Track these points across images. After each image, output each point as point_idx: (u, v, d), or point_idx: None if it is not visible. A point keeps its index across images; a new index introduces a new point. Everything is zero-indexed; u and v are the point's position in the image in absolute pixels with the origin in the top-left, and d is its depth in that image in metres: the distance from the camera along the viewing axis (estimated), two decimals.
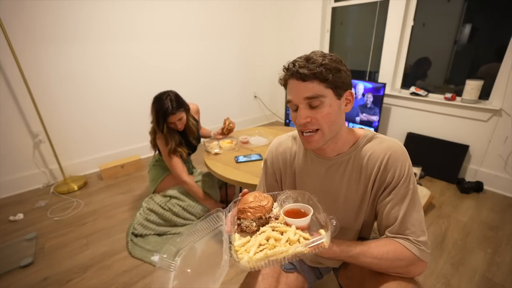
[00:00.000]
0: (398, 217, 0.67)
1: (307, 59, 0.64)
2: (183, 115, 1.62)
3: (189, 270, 0.67)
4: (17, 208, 1.98)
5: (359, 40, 2.97)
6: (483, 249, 1.51)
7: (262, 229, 0.60)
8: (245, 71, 3.41)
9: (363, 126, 2.58)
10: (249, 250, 0.54)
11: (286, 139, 0.86)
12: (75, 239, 1.65)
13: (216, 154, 1.72)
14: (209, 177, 1.75)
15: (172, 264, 0.67)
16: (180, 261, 0.69)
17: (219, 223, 0.71)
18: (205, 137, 2.02)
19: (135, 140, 2.67)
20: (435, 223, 1.74)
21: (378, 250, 0.65)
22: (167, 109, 1.55)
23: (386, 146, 0.70)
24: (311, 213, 0.61)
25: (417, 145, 2.39)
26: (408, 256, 0.64)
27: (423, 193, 1.84)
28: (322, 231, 0.58)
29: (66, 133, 2.32)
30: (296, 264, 0.87)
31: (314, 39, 3.14)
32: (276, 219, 0.63)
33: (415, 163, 2.21)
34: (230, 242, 0.58)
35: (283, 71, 0.68)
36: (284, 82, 0.69)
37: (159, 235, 1.63)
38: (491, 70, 2.00)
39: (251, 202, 0.63)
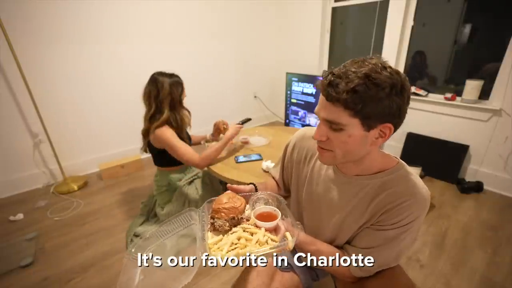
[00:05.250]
0: (368, 247, 0.68)
1: (342, 75, 0.54)
2: None
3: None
4: (17, 208, 1.98)
5: (359, 40, 2.97)
6: (483, 249, 1.51)
7: (234, 229, 0.65)
8: (245, 71, 3.41)
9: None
10: (222, 248, 0.59)
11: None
12: (75, 239, 1.65)
13: None
14: (210, 179, 1.73)
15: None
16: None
17: (191, 222, 0.73)
18: (197, 143, 1.89)
19: (136, 140, 2.65)
20: (435, 223, 1.74)
21: (327, 261, 0.70)
22: (175, 74, 1.52)
23: (411, 192, 0.62)
24: (279, 217, 0.66)
25: (417, 145, 2.39)
26: (348, 276, 0.72)
27: None
28: (288, 234, 0.64)
29: (66, 133, 2.32)
30: (292, 264, 0.87)
31: (314, 39, 3.14)
32: (247, 220, 0.68)
33: (415, 163, 2.23)
34: (204, 240, 0.62)
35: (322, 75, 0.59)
36: (319, 89, 0.60)
37: None
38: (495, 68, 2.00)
39: (225, 203, 0.67)
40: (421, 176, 2.27)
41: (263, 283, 0.78)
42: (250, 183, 0.85)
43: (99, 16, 2.22)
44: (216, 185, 1.71)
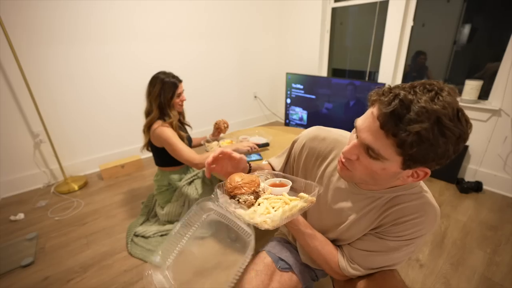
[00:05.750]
0: (365, 249, 0.68)
1: (411, 106, 0.46)
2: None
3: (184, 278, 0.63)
4: (18, 208, 1.99)
5: (359, 40, 2.98)
6: (483, 249, 1.52)
7: (258, 200, 0.65)
8: (245, 71, 3.42)
9: None
10: (269, 212, 0.60)
11: (327, 139, 0.78)
12: (76, 239, 1.66)
13: None
14: (210, 180, 1.72)
15: (160, 280, 0.62)
16: (170, 274, 0.64)
17: (202, 217, 0.71)
18: (198, 145, 1.89)
19: (136, 140, 2.68)
20: None
21: (319, 243, 0.73)
22: (175, 76, 1.48)
23: (424, 209, 0.62)
24: (290, 184, 0.69)
25: None
26: (336, 271, 0.72)
27: None
28: (302, 194, 0.65)
29: (67, 133, 2.33)
30: (291, 264, 0.87)
31: (314, 39, 3.15)
32: (264, 192, 0.68)
33: None
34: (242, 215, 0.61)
35: (378, 91, 0.53)
36: (370, 102, 0.55)
37: (161, 235, 1.63)
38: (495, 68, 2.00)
39: (242, 179, 0.67)
40: None
41: (262, 282, 0.78)
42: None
43: (100, 17, 2.22)
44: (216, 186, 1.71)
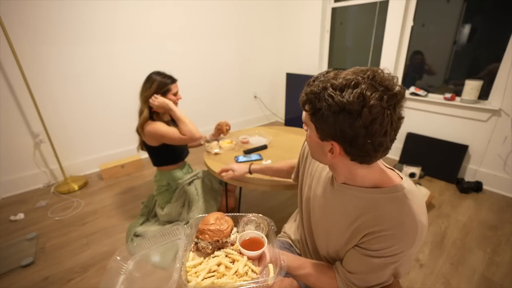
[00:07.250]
0: (355, 272, 0.65)
1: (315, 78, 0.56)
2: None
3: (137, 275, 0.68)
4: (18, 208, 1.99)
5: (359, 40, 2.97)
6: (482, 249, 1.52)
7: (216, 253, 0.63)
8: (245, 71, 3.42)
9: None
10: (199, 274, 0.56)
11: None
12: (76, 239, 1.66)
13: (216, 154, 1.73)
14: (209, 180, 1.72)
15: (124, 267, 0.67)
16: (132, 265, 0.69)
17: (176, 237, 0.73)
18: (197, 145, 1.87)
19: (136, 140, 2.67)
20: (435, 223, 1.74)
21: (315, 279, 0.70)
22: (167, 76, 1.47)
23: (397, 222, 0.56)
24: (265, 246, 0.64)
25: (417, 145, 2.39)
26: None
27: (423, 192, 1.84)
28: (271, 267, 0.62)
29: (67, 133, 2.33)
30: None
31: (314, 39, 3.15)
32: (232, 244, 0.65)
33: (415, 163, 2.23)
34: (183, 262, 0.59)
35: None
36: None
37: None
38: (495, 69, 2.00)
39: (212, 224, 0.65)
40: (421, 176, 2.28)
41: None
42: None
43: (99, 18, 2.22)
44: (215, 186, 1.71)
